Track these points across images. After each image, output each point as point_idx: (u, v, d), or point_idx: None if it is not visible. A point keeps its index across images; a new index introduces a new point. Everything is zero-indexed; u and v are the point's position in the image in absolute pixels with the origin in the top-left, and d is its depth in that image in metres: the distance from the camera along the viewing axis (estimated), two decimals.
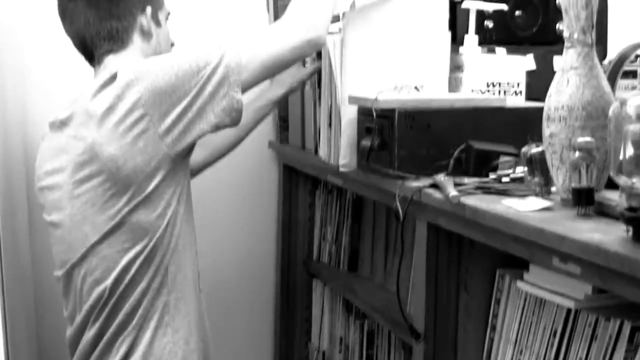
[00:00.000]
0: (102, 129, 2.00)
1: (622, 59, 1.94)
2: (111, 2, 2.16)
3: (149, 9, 2.21)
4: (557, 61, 2.87)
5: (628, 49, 1.94)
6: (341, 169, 2.44)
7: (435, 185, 2.03)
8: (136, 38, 2.20)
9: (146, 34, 2.22)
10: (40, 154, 2.22)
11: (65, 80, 2.95)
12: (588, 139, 1.65)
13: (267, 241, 3.44)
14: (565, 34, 1.76)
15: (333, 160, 2.53)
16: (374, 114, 2.19)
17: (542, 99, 2.57)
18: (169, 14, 2.30)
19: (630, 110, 1.48)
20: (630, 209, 1.46)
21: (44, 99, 3.01)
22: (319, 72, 2.64)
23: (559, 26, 2.90)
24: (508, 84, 2.49)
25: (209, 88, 2.04)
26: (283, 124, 3.16)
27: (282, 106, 3.12)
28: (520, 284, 1.96)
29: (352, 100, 2.34)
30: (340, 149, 2.43)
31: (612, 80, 1.92)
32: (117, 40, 2.18)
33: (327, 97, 2.54)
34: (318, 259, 3.31)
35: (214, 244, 3.24)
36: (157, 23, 2.26)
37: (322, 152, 2.63)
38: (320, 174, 2.87)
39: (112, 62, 2.14)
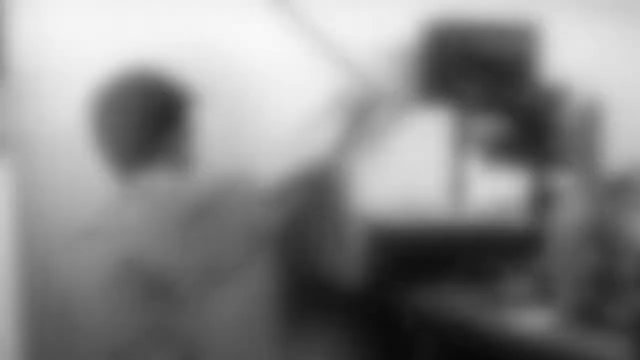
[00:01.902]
0: None
1: (625, 180, 2.02)
2: None
3: None
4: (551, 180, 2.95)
5: (631, 170, 2.02)
6: None
7: None
8: None
9: None
10: None
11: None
12: (594, 260, 1.72)
13: None
14: (570, 161, 1.83)
15: None
16: None
17: (538, 216, 2.64)
18: None
19: None
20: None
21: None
22: None
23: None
24: (507, 202, 2.57)
25: None
26: None
27: None
28: None
29: None
30: None
31: (615, 199, 1.99)
32: None
33: None
34: None
35: None
36: None
37: None
38: None
39: None
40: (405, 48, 3.32)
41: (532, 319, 1.84)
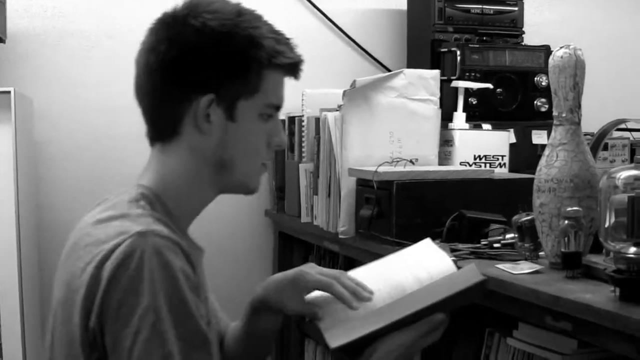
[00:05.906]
0: None
1: (603, 134, 2.13)
2: None
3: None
4: (536, 135, 3.08)
5: (609, 125, 2.13)
6: (340, 236, 2.60)
7: None
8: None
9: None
10: None
11: None
12: (577, 208, 1.83)
13: None
14: (555, 113, 1.93)
15: (331, 227, 2.69)
16: (375, 186, 2.36)
17: (522, 170, 2.78)
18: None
19: (619, 182, 1.66)
20: (618, 271, 1.63)
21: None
22: (317, 145, 2.79)
23: (537, 103, 3.14)
24: (493, 156, 2.68)
25: None
26: (279, 194, 3.31)
27: (278, 177, 3.28)
28: (510, 341, 2.10)
29: (352, 172, 2.51)
30: (339, 217, 2.60)
31: (594, 153, 2.10)
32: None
33: (326, 169, 2.71)
34: (310, 321, 3.41)
35: None
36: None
37: (320, 220, 2.79)
38: (317, 240, 3.02)
39: None
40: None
41: (519, 267, 1.95)
